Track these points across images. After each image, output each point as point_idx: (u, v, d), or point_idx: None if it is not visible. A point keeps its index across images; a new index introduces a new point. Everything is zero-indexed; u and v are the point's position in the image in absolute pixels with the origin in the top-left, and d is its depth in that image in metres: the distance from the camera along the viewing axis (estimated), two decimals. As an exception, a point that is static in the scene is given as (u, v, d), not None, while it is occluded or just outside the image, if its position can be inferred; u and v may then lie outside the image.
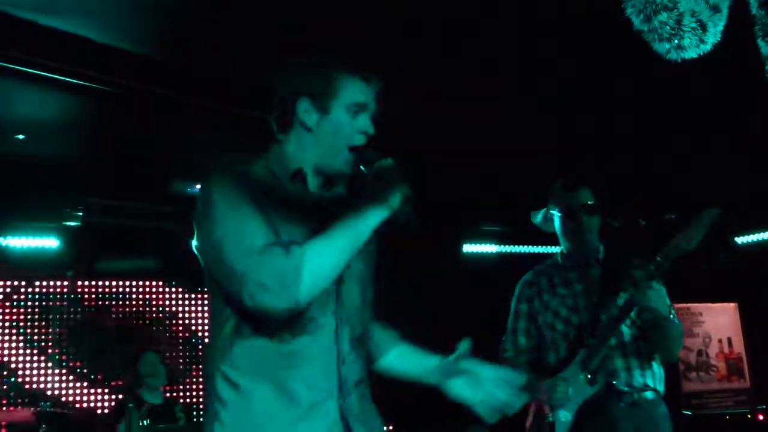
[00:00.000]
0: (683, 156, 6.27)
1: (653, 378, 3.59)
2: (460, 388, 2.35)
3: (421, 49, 4.34)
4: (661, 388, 3.62)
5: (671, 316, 3.57)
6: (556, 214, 3.75)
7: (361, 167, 2.17)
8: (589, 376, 3.59)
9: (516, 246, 7.83)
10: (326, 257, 2.01)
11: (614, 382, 3.57)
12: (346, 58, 2.23)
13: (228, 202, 2.03)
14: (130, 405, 5.43)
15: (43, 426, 5.13)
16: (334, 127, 2.17)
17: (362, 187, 2.14)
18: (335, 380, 2.11)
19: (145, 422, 5.50)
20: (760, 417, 7.08)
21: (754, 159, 6.37)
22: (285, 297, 1.93)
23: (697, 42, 2.72)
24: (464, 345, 2.30)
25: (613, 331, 3.64)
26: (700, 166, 6.48)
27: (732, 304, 7.60)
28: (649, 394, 3.59)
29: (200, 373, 7.02)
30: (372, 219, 2.04)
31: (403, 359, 2.45)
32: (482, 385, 2.32)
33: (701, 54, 2.70)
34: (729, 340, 7.51)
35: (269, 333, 2.04)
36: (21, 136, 5.38)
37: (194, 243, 2.11)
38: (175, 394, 6.86)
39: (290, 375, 2.06)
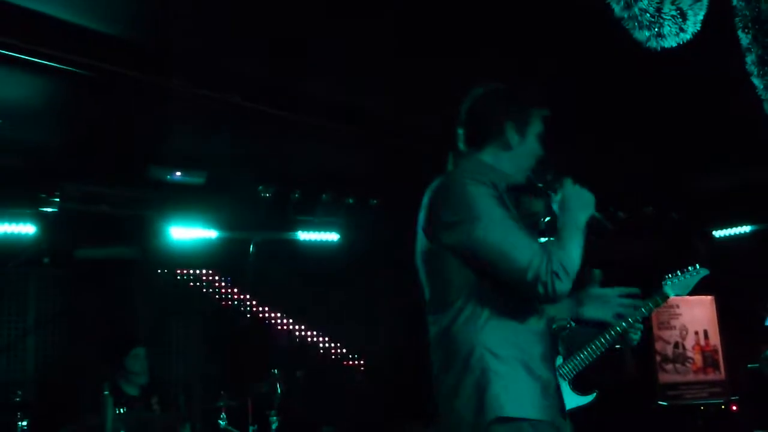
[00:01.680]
0: (663, 151, 6.28)
1: None
2: (593, 311, 2.84)
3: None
4: None
5: None
6: None
7: (539, 184, 2.71)
8: (574, 385, 3.72)
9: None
10: (578, 254, 2.50)
11: None
12: (536, 92, 2.78)
13: (497, 208, 2.48)
14: (106, 393, 5.40)
15: (19, 414, 5.06)
16: (528, 149, 2.69)
17: (549, 198, 2.69)
18: (551, 356, 2.63)
19: (121, 410, 5.45)
20: (734, 408, 7.15)
21: (732, 155, 6.39)
22: (569, 282, 2.42)
23: (677, 30, 2.67)
24: (597, 274, 2.92)
25: (596, 355, 3.85)
26: (677, 161, 6.49)
27: (708, 297, 7.64)
28: None
29: (179, 363, 6.98)
30: (583, 223, 2.56)
31: None
32: (611, 303, 2.81)
33: (681, 42, 2.67)
34: (705, 332, 7.55)
35: (519, 318, 2.52)
36: None
37: (446, 237, 2.52)
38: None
39: (533, 351, 2.51)
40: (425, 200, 2.62)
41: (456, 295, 2.52)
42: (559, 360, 3.97)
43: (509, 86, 2.74)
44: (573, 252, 2.47)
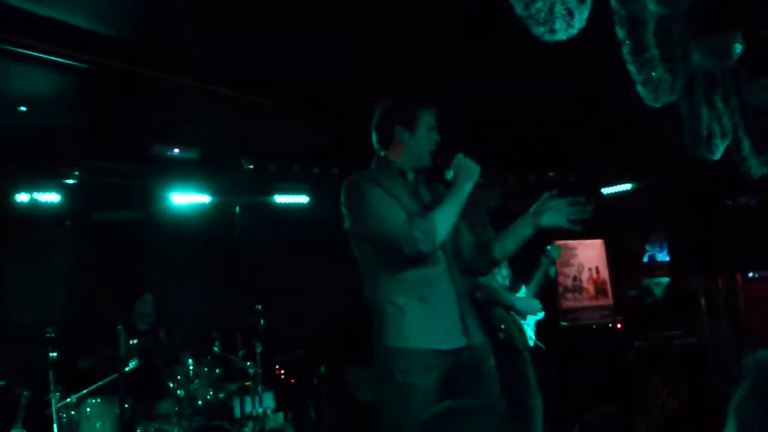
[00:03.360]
0: (564, 125, 6.29)
1: None
2: (549, 219, 2.85)
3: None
4: None
5: None
6: None
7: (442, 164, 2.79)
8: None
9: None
10: (447, 217, 2.64)
11: None
12: (423, 96, 2.87)
13: (375, 195, 2.67)
14: (119, 327, 5.36)
15: (49, 347, 4.99)
16: (420, 141, 2.80)
17: (445, 174, 2.76)
18: (454, 292, 2.72)
19: (133, 341, 5.42)
20: (618, 326, 7.35)
21: (619, 127, 6.45)
22: (430, 244, 2.58)
23: (566, 26, 2.73)
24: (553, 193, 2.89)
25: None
26: (574, 130, 6.52)
27: (599, 241, 7.76)
28: None
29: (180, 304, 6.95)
30: (466, 190, 2.68)
31: (502, 241, 2.93)
32: (564, 211, 2.85)
33: (569, 36, 2.73)
34: (597, 268, 7.68)
35: (414, 268, 2.65)
36: (23, 108, 5.18)
37: (347, 225, 2.77)
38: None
39: (428, 291, 2.67)
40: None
41: (368, 268, 2.78)
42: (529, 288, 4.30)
43: (399, 96, 2.90)
44: (441, 218, 2.62)
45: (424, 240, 2.56)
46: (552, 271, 4.49)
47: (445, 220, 2.63)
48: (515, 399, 3.78)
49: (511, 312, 4.09)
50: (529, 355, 4.12)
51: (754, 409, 1.37)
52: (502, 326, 4.02)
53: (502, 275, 4.22)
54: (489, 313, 3.95)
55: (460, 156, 2.73)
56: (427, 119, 2.82)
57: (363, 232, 2.74)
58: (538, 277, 4.38)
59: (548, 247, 4.47)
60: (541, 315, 4.28)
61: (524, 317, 4.13)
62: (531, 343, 4.15)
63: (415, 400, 2.55)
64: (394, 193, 2.71)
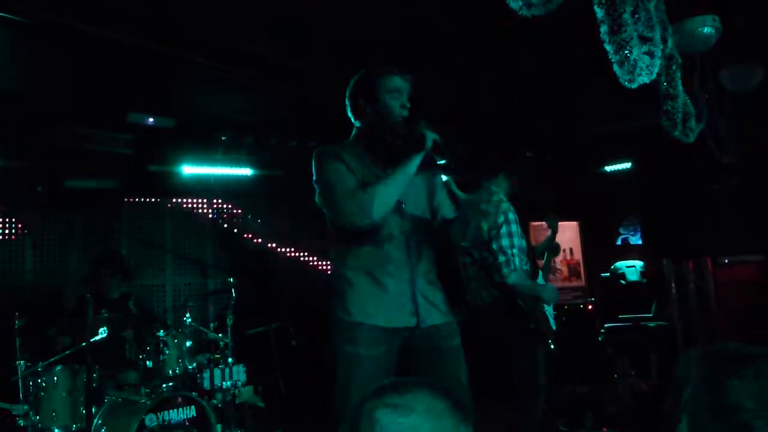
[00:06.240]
0: (543, 101, 6.25)
1: None
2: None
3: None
4: None
5: None
6: None
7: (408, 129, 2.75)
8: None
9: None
10: (388, 190, 2.60)
11: None
12: (385, 63, 2.87)
13: (330, 168, 2.69)
14: (88, 296, 5.30)
15: (16, 314, 4.92)
16: (385, 110, 2.78)
17: (408, 140, 2.72)
18: (408, 272, 2.71)
19: (102, 311, 5.35)
20: (590, 307, 7.42)
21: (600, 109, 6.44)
22: (365, 217, 2.58)
23: (543, 1, 2.69)
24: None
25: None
26: (554, 110, 6.51)
27: (574, 222, 7.80)
28: None
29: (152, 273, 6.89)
30: (414, 160, 2.65)
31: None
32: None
33: (547, 11, 2.69)
34: (571, 249, 7.73)
35: (367, 244, 2.68)
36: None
37: (317, 199, 2.81)
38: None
39: (378, 267, 2.68)
40: None
41: (332, 237, 2.82)
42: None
43: (362, 72, 2.90)
44: (382, 192, 2.59)
45: (360, 213, 2.57)
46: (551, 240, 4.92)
47: (385, 193, 2.60)
48: (530, 380, 4.01)
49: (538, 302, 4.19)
50: (552, 338, 4.24)
51: (703, 406, 1.35)
52: (532, 317, 4.17)
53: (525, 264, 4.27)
54: (519, 305, 4.07)
55: (419, 125, 2.71)
56: (389, 85, 2.79)
57: (321, 205, 2.80)
58: (547, 254, 4.77)
59: (545, 219, 4.80)
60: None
61: (549, 303, 4.28)
62: (554, 326, 4.32)
63: (360, 370, 2.59)
64: (354, 167, 2.71)
